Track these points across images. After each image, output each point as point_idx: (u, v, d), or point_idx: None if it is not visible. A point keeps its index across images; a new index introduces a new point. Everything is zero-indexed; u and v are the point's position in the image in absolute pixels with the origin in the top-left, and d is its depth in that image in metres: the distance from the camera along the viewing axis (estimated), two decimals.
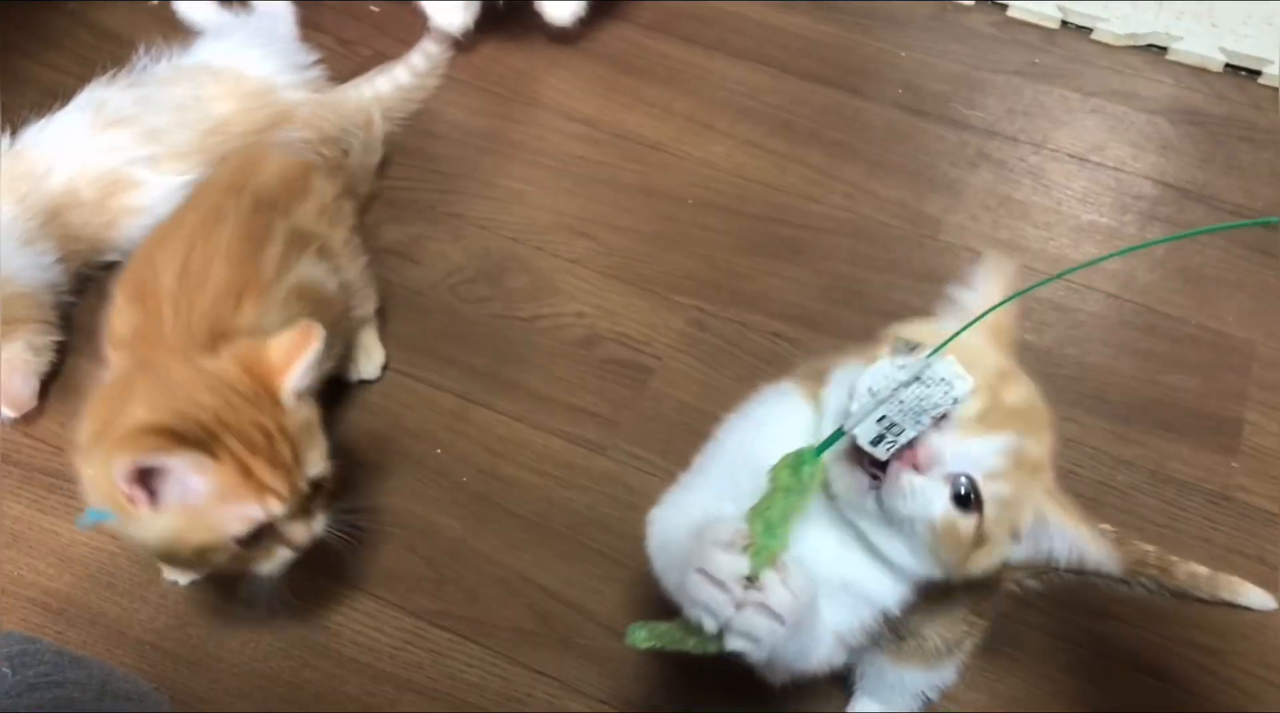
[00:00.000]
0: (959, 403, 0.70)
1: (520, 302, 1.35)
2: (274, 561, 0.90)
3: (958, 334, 0.72)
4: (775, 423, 0.80)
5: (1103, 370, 1.30)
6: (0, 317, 1.16)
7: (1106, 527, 1.08)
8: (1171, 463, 1.21)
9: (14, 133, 1.30)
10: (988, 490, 0.70)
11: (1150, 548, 1.04)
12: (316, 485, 0.91)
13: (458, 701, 1.03)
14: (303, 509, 0.89)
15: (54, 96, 1.34)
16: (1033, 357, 1.29)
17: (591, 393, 1.26)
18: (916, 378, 0.70)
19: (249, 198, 1.08)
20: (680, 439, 1.18)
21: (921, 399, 0.71)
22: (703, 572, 0.70)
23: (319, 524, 0.92)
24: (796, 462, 0.72)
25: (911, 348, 0.73)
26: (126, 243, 1.35)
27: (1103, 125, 1.60)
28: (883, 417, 0.70)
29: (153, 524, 0.84)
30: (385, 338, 1.29)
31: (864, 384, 0.71)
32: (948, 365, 0.71)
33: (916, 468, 0.71)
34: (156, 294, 0.97)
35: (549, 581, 1.11)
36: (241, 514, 0.84)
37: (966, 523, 0.71)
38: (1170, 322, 1.35)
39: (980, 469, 0.71)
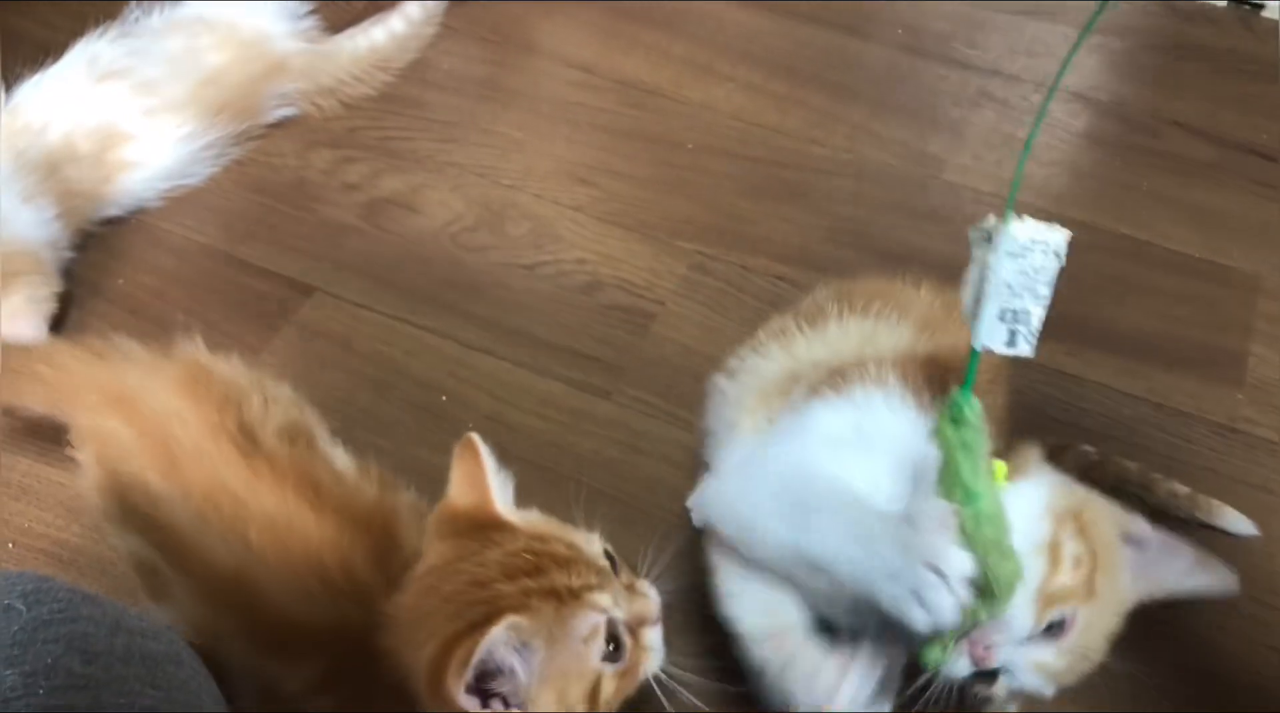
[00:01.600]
0: (1061, 256, 0.66)
1: (521, 249, 1.35)
2: (655, 651, 0.77)
3: (1021, 165, 0.69)
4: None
5: (1107, 307, 1.29)
6: (0, 271, 1.16)
7: (1089, 448, 1.08)
8: (1177, 396, 1.21)
9: (8, 89, 1.29)
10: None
11: (1133, 465, 1.05)
12: (611, 559, 0.79)
13: None
14: (625, 586, 0.77)
15: (47, 52, 1.33)
16: None
17: (594, 339, 1.26)
18: (1007, 253, 0.65)
19: None
20: (684, 383, 1.19)
21: (1023, 272, 0.66)
22: (931, 567, 0.67)
23: (645, 586, 0.79)
24: (953, 412, 0.70)
25: (987, 236, 0.68)
26: (124, 197, 1.35)
27: (1105, 62, 1.58)
28: (1001, 312, 0.66)
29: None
30: (387, 287, 1.29)
31: (967, 291, 0.67)
32: (1026, 227, 0.66)
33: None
34: None
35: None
36: (584, 630, 0.72)
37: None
38: (1174, 257, 1.35)
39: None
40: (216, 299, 1.29)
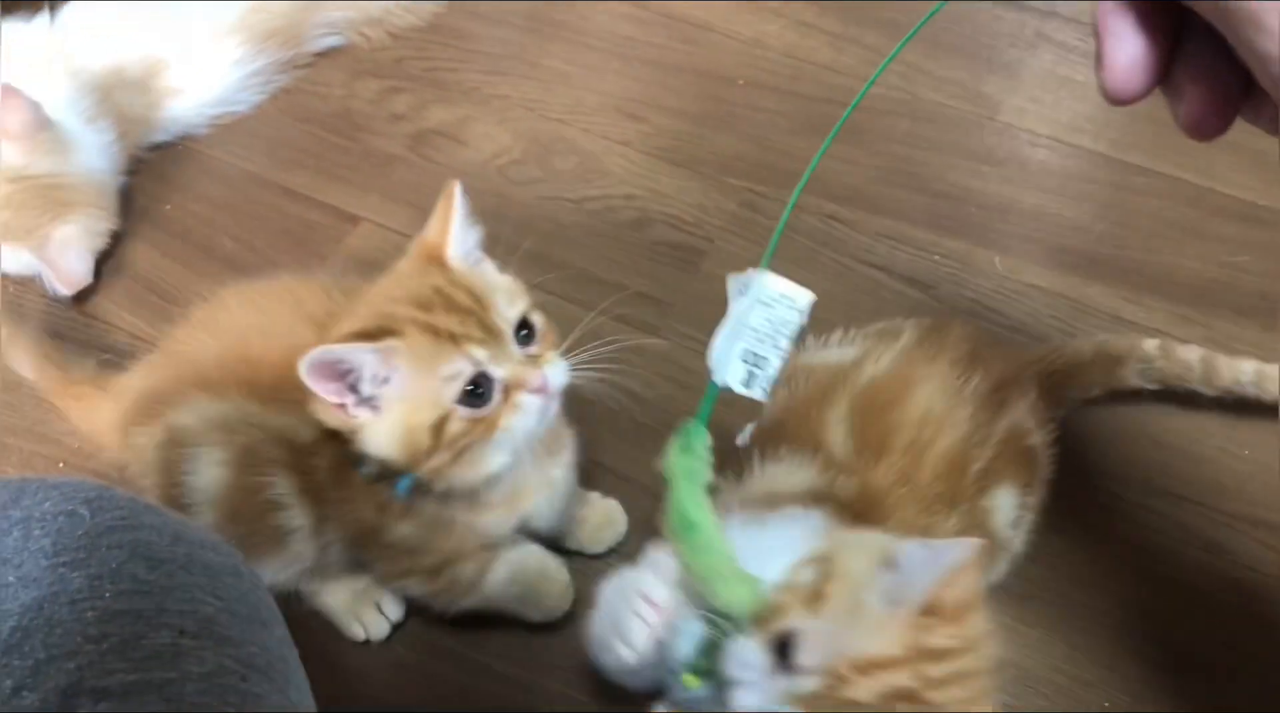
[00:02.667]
0: (804, 314, 0.69)
1: (569, 183, 1.33)
2: (524, 413, 0.83)
3: (777, 236, 0.71)
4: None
5: (1168, 253, 1.27)
6: (63, 198, 1.16)
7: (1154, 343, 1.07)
8: (1235, 344, 1.17)
9: (52, 11, 1.28)
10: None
11: (1195, 355, 1.04)
12: (527, 329, 0.86)
13: None
14: (528, 358, 0.84)
15: None
16: (1093, 240, 1.27)
17: (643, 275, 1.25)
18: (758, 301, 0.69)
19: None
20: None
21: (770, 321, 0.69)
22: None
23: (555, 368, 0.85)
24: (682, 440, 0.72)
25: (744, 287, 0.70)
26: (172, 124, 1.34)
27: None
28: (744, 353, 0.69)
29: (381, 429, 0.81)
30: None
31: (718, 333, 0.69)
32: (779, 282, 0.69)
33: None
34: None
35: (607, 458, 1.10)
36: (450, 372, 0.80)
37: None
38: (1235, 203, 1.31)
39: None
40: (263, 227, 1.28)
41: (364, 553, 0.94)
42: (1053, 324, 1.20)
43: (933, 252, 1.26)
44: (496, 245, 1.25)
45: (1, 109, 1.11)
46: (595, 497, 1.06)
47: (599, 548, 1.04)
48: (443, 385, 0.80)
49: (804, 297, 0.69)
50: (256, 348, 0.91)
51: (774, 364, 0.68)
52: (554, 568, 0.99)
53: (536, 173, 1.34)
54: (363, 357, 0.78)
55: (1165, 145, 1.37)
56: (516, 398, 0.82)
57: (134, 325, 1.20)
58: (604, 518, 1.05)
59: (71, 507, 0.60)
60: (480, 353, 0.80)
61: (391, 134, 1.38)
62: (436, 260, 0.86)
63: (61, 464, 1.09)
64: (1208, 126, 0.46)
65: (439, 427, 0.80)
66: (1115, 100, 0.44)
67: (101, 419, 1.02)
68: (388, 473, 0.84)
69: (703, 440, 0.71)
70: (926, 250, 1.26)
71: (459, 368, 0.80)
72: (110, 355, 1.16)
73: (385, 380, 0.80)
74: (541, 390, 0.83)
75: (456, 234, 0.86)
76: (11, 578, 0.56)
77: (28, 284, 1.23)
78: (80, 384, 1.07)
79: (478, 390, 0.80)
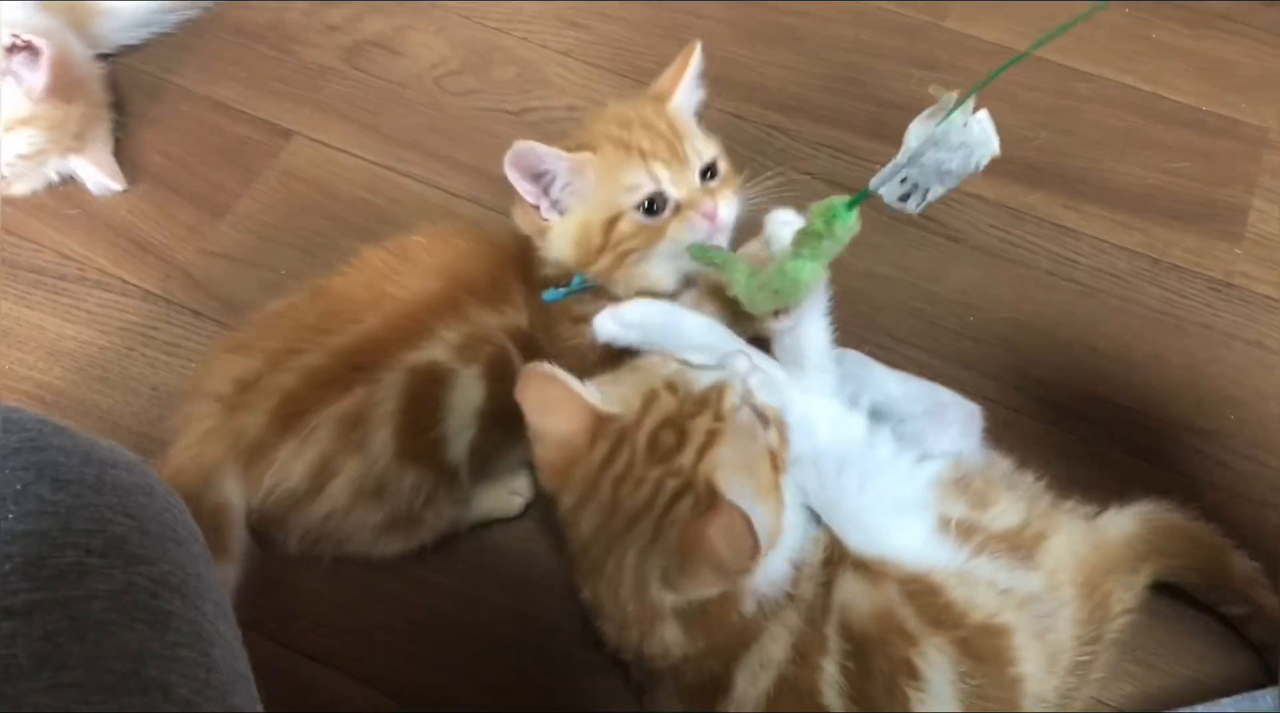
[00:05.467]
0: (979, 168, 0.70)
1: (508, 94, 1.31)
2: (691, 229, 0.90)
3: (981, 85, 0.69)
4: None
5: (1110, 160, 1.26)
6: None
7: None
8: (1174, 251, 1.19)
9: None
10: None
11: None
12: (713, 172, 0.94)
13: None
14: (706, 189, 0.92)
15: None
16: (1036, 148, 1.26)
17: None
18: (935, 143, 0.69)
19: None
20: None
21: (941, 163, 0.70)
22: None
23: (728, 201, 0.92)
24: (829, 213, 0.75)
25: (943, 110, 0.70)
26: (101, 42, 1.29)
27: None
28: (904, 178, 0.72)
29: (563, 230, 0.91)
30: (370, 132, 1.26)
31: (907, 140, 0.71)
32: (966, 129, 0.69)
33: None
34: None
35: None
36: (632, 182, 0.89)
37: None
38: (1181, 109, 1.31)
39: None
40: (194, 142, 1.25)
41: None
42: (993, 233, 1.20)
43: (875, 161, 1.24)
44: (435, 160, 1.24)
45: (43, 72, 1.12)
46: None
47: None
48: (623, 193, 0.89)
49: (984, 153, 0.70)
50: (465, 255, 0.98)
51: (933, 193, 0.72)
52: None
53: (474, 84, 1.31)
54: (558, 163, 0.88)
55: (1111, 51, 1.35)
56: (686, 215, 0.90)
57: (62, 244, 1.17)
58: None
59: None
60: (662, 171, 0.89)
61: (326, 46, 1.35)
62: (658, 100, 0.95)
63: None
64: None
65: (611, 224, 0.89)
66: None
67: None
68: (563, 281, 0.93)
69: (847, 227, 0.76)
70: (869, 160, 1.25)
71: (640, 181, 0.89)
72: (38, 275, 1.14)
73: (575, 188, 0.90)
74: (711, 216, 0.90)
75: (685, 87, 0.96)
76: None
77: None
78: None
79: (653, 205, 0.90)
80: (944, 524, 0.83)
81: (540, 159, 0.88)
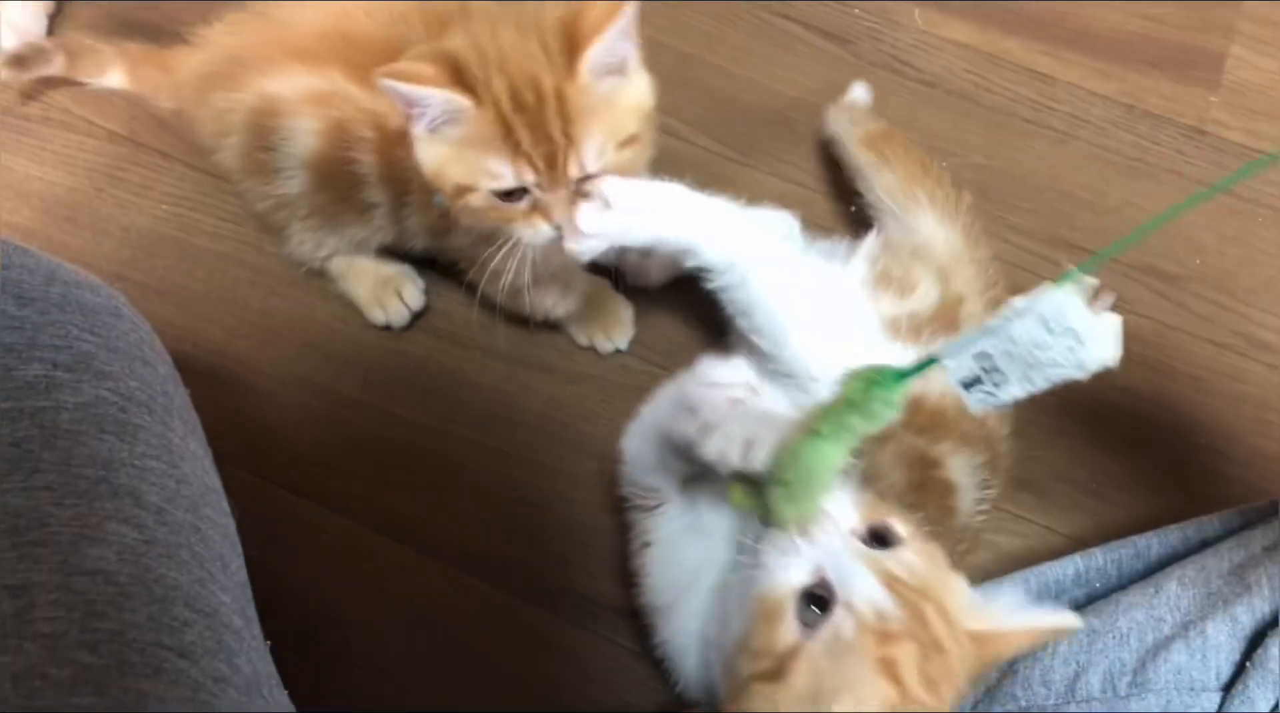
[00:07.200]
0: (1082, 372, 0.54)
1: None
2: (532, 230, 0.81)
3: (1118, 247, 0.57)
4: None
5: (1086, 6, 1.24)
6: None
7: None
8: (1149, 97, 1.18)
9: None
10: None
11: None
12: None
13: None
14: (576, 193, 0.80)
15: None
16: None
17: None
18: (1041, 318, 0.53)
19: None
20: None
21: (1037, 346, 0.54)
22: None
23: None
24: (871, 379, 0.59)
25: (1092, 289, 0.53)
26: None
27: None
28: (984, 353, 0.55)
29: (427, 152, 0.80)
30: None
31: (1003, 311, 0.55)
32: (1086, 315, 0.53)
33: None
34: None
35: None
36: (493, 169, 0.78)
37: None
38: None
39: None
40: None
41: (441, 245, 0.97)
42: (968, 78, 1.19)
43: (852, 5, 1.23)
44: None
45: None
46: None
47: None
48: (483, 173, 0.78)
49: (1102, 354, 0.53)
50: (360, 27, 0.90)
51: (1008, 391, 0.56)
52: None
53: None
54: (433, 98, 0.76)
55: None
56: (537, 219, 0.81)
57: (24, 84, 1.15)
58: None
59: None
60: (529, 178, 0.78)
61: None
62: (568, 56, 0.77)
63: None
64: None
65: (462, 190, 0.80)
66: None
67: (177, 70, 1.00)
68: None
69: (887, 400, 0.59)
70: (845, 2, 1.23)
71: (503, 173, 0.78)
72: (1, 115, 1.13)
73: (444, 124, 0.78)
74: (561, 231, 0.81)
75: (603, 45, 0.76)
76: None
77: None
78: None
79: (511, 194, 0.79)
80: (893, 326, 0.85)
81: (410, 95, 0.76)
